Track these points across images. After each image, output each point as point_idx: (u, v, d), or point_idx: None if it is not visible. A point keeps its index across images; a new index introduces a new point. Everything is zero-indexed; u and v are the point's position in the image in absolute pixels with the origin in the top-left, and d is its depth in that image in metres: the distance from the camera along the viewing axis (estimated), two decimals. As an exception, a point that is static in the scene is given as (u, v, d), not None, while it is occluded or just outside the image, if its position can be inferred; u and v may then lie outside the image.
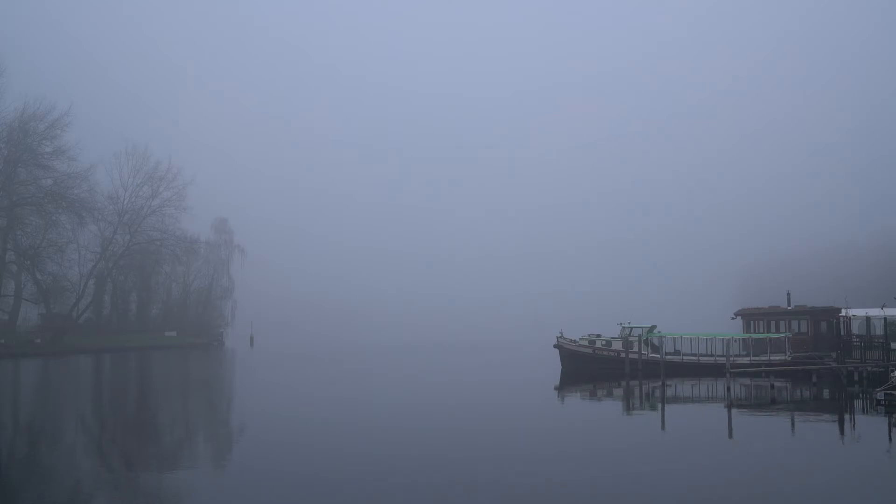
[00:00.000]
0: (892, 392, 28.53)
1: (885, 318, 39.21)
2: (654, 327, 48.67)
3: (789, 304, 48.88)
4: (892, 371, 30.83)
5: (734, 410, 29.24)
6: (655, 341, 46.71)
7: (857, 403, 32.31)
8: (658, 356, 43.42)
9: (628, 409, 33.43)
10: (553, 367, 48.71)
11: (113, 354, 74.90)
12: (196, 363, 65.94)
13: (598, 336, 49.46)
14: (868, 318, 41.26)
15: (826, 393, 36.12)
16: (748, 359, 43.06)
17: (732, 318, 52.37)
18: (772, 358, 42.29)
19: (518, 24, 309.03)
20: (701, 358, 45.04)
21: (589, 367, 46.99)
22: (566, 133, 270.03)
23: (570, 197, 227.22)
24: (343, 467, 18.36)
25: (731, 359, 38.31)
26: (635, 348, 45.51)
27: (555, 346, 50.73)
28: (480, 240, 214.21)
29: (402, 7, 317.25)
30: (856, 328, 41.84)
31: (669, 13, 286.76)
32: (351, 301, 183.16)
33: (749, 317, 50.79)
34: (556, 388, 41.41)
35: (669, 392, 37.10)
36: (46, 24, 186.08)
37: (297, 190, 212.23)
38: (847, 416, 29.09)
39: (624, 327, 48.42)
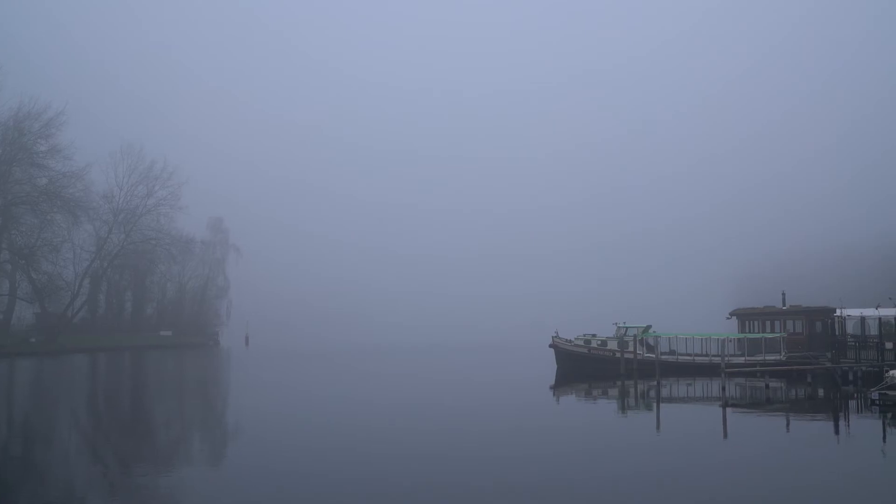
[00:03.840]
0: (887, 392, 28.59)
1: (879, 319, 39.30)
2: (648, 327, 48.73)
3: (784, 304, 48.99)
4: (887, 371, 30.90)
5: (729, 410, 29.29)
6: (650, 341, 46.74)
7: (852, 403, 32.36)
8: (653, 356, 43.45)
9: (623, 408, 33.43)
10: (549, 367, 48.72)
11: (108, 354, 74.76)
12: (191, 362, 65.83)
13: (594, 336, 49.49)
14: (863, 318, 41.37)
15: (820, 393, 36.18)
16: (743, 358, 43.13)
17: (728, 318, 52.47)
18: (767, 358, 42.38)
19: (516, 21, 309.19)
20: (696, 357, 45.12)
21: (584, 367, 47.01)
22: (565, 132, 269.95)
23: (568, 197, 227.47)
24: (339, 466, 18.32)
25: (726, 359, 38.37)
26: (630, 348, 45.55)
27: (550, 346, 50.74)
28: (478, 239, 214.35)
29: (402, 6, 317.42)
30: (850, 328, 41.94)
31: (670, 12, 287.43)
32: (348, 300, 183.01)
33: (744, 317, 50.89)
34: (551, 388, 41.42)
35: (664, 392, 37.11)
36: (43, 23, 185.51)
37: (294, 189, 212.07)
38: (842, 416, 29.13)
39: (619, 327, 48.45)
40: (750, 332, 48.38)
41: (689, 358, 45.36)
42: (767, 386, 36.45)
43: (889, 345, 36.40)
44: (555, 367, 48.87)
